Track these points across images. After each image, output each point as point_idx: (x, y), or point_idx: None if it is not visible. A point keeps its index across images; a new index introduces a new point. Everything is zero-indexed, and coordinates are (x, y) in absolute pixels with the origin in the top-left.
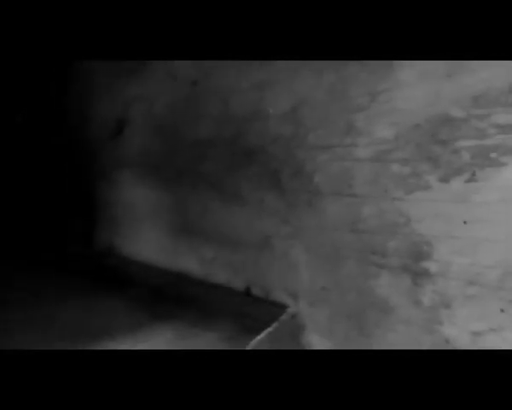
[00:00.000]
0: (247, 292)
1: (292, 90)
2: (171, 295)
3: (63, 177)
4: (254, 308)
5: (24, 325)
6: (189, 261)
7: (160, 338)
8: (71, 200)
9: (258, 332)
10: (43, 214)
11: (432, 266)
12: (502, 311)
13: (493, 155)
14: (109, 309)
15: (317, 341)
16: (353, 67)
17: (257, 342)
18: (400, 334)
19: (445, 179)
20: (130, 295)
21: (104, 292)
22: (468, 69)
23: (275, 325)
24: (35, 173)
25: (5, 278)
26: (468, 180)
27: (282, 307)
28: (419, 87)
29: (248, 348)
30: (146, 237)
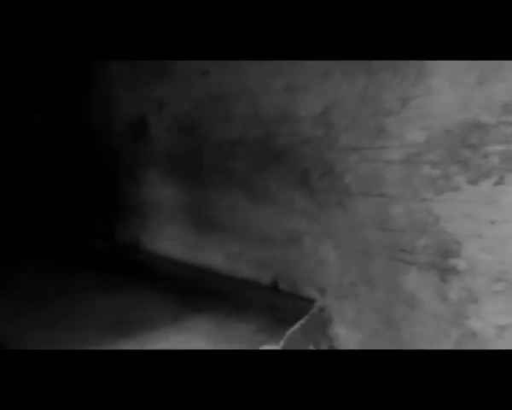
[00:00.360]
0: (275, 287)
1: (323, 93)
2: (199, 288)
3: (88, 175)
4: (282, 301)
5: (66, 318)
6: (215, 257)
7: (198, 328)
8: (96, 198)
9: (291, 324)
10: (69, 212)
11: (460, 264)
12: None
13: None
14: (144, 302)
15: (344, 333)
16: (386, 73)
17: (291, 333)
18: (428, 327)
19: (474, 182)
20: (161, 288)
21: (135, 286)
22: (499, 78)
23: (306, 317)
24: (60, 172)
25: (37, 272)
26: (497, 183)
27: (309, 301)
28: (450, 94)
29: (284, 339)
30: (171, 233)
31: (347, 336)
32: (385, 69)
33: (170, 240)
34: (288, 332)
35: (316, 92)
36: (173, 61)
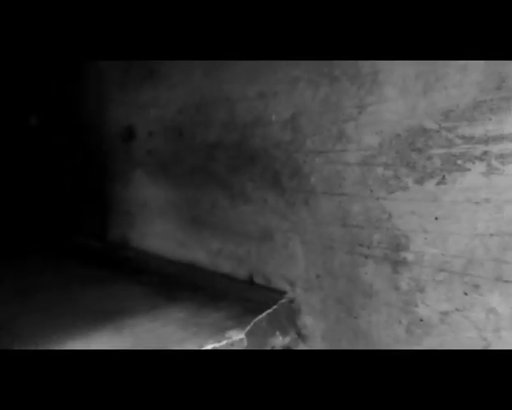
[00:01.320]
0: (251, 280)
1: (291, 100)
2: (181, 282)
3: (79, 176)
4: (256, 294)
5: (56, 306)
6: (198, 253)
7: (173, 316)
8: (87, 197)
9: (258, 313)
10: (60, 211)
11: (409, 256)
12: (465, 294)
13: (459, 161)
14: (127, 294)
15: (310, 322)
16: (345, 82)
17: (257, 320)
18: (383, 315)
19: (419, 181)
20: (145, 282)
21: (121, 280)
22: (441, 87)
23: (274, 307)
24: (53, 173)
25: (31, 268)
26: (439, 183)
27: (280, 293)
28: (400, 102)
29: (250, 326)
30: (157, 230)
31: (313, 325)
32: (344, 78)
33: (156, 238)
34: (255, 320)
35: (285, 99)
36: (159, 66)
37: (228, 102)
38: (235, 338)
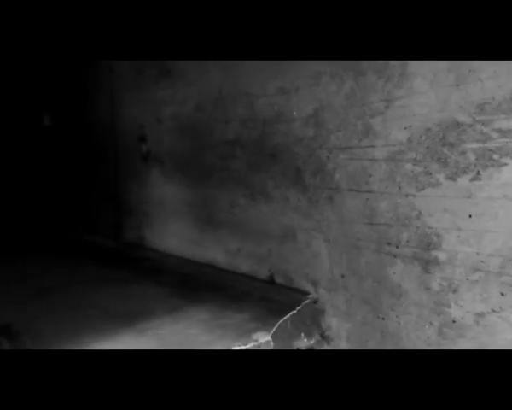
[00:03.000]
0: (271, 280)
1: (315, 95)
2: (200, 282)
3: (93, 175)
4: (278, 294)
5: (74, 309)
6: (216, 252)
7: (195, 318)
8: (102, 197)
9: (282, 315)
10: (76, 211)
11: (440, 255)
12: (502, 294)
13: (495, 156)
14: (147, 295)
15: (335, 323)
16: (372, 76)
17: (282, 322)
18: (413, 316)
19: (452, 177)
20: (164, 282)
21: (139, 280)
22: (475, 79)
23: (298, 308)
24: (69, 174)
25: (48, 267)
26: (473, 179)
27: (303, 294)
28: (430, 95)
29: (275, 328)
30: (174, 230)
31: (338, 326)
32: (371, 72)
33: (173, 237)
34: (280, 322)
35: (308, 94)
36: (175, 63)
37: (247, 97)
38: (262, 341)
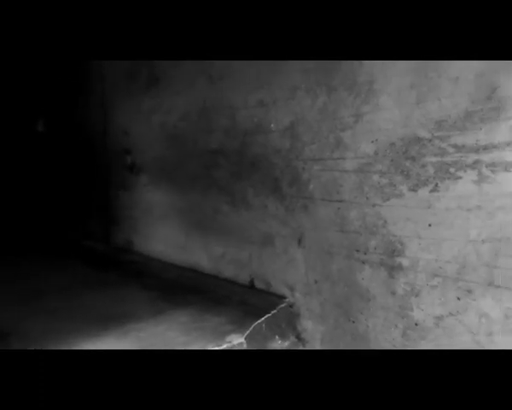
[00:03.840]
0: (251, 285)
1: (291, 108)
2: (184, 286)
3: (84, 181)
4: (256, 298)
5: (63, 309)
6: (200, 257)
7: (175, 321)
8: (92, 203)
9: (258, 317)
10: (67, 216)
11: (404, 261)
12: (458, 299)
13: (451, 169)
14: (132, 298)
15: (310, 326)
16: (342, 91)
17: (257, 324)
18: (380, 319)
19: (414, 189)
20: (149, 284)
21: (125, 283)
22: (434, 98)
23: (273, 312)
24: (61, 180)
25: (40, 269)
26: (432, 190)
27: (280, 298)
28: (394, 111)
29: (249, 330)
30: (161, 235)
31: (313, 328)
32: (341, 88)
33: (160, 242)
34: (254, 324)
35: (284, 107)
36: (163, 74)
37: (230, 109)
38: (235, 342)
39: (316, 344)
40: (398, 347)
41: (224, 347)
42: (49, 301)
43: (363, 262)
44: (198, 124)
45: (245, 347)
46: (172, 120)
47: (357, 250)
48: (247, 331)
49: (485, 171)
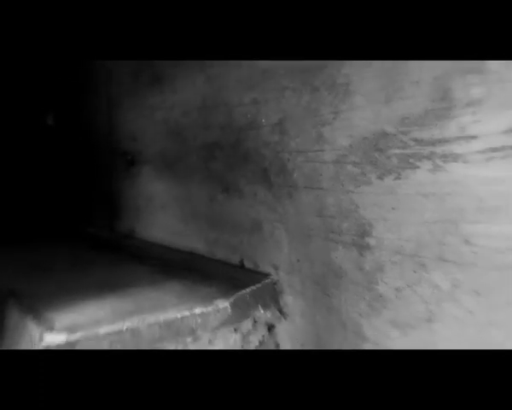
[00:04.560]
0: (241, 265)
1: (280, 106)
2: (181, 265)
3: (91, 172)
4: (245, 276)
5: (69, 280)
6: (197, 242)
7: (171, 289)
8: (98, 193)
9: (244, 289)
10: (74, 205)
11: (371, 241)
12: (414, 272)
13: (411, 160)
14: (132, 272)
15: (291, 301)
16: (324, 91)
17: (241, 294)
18: (351, 292)
19: (380, 177)
20: (150, 264)
21: (128, 262)
22: (399, 98)
23: (258, 285)
24: (66, 169)
25: (49, 251)
26: (396, 178)
27: (266, 276)
28: (367, 110)
29: (234, 297)
30: (161, 222)
31: (293, 303)
32: (323, 88)
33: (161, 229)
34: (239, 293)
35: (274, 105)
36: (165, 73)
37: (226, 106)
38: (220, 306)
39: (296, 317)
40: (364, 316)
41: (210, 309)
42: (57, 273)
43: (337, 243)
44: (197, 120)
45: (229, 312)
46: (174, 116)
47: (333, 232)
48: (232, 298)
49: (438, 161)
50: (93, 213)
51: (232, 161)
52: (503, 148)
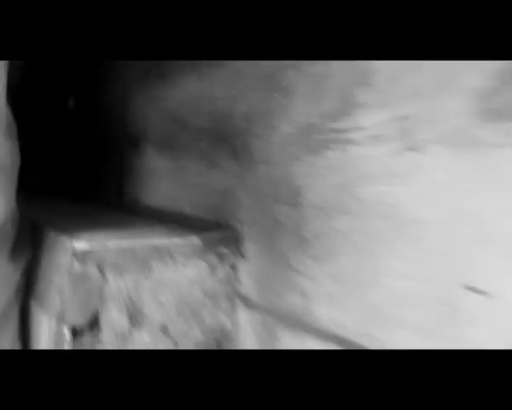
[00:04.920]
0: (216, 222)
1: (247, 101)
2: (170, 220)
3: (104, 151)
4: (217, 228)
5: (89, 221)
6: (185, 206)
7: (160, 230)
8: (110, 167)
9: (213, 233)
10: (88, 179)
11: (300, 200)
12: (325, 222)
13: (328, 144)
14: (133, 221)
15: (249, 246)
16: (275, 92)
17: (209, 235)
18: (286, 237)
19: (309, 155)
20: (147, 217)
21: (130, 217)
22: (322, 98)
23: (225, 233)
24: (83, 149)
25: (70, 204)
26: (318, 156)
27: (233, 229)
28: (303, 107)
29: (203, 234)
30: (159, 191)
31: (251, 248)
32: (274, 89)
33: (158, 196)
34: (208, 233)
35: (244, 100)
36: (168, 69)
37: (212, 99)
38: (194, 241)
39: (252, 259)
40: (294, 253)
41: (185, 241)
42: (77, 217)
43: (280, 202)
44: (190, 109)
45: (200, 245)
46: (173, 105)
47: (277, 194)
48: (203, 237)
49: (343, 144)
50: (104, 184)
51: (214, 142)
52: (381, 135)
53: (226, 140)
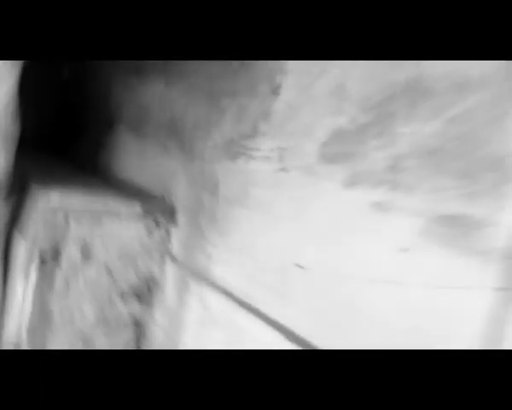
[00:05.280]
0: (161, 197)
1: (196, 109)
2: (131, 193)
3: (92, 124)
4: (156, 203)
5: (60, 178)
6: (144, 181)
7: (114, 198)
8: (90, 138)
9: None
10: (72, 145)
11: (219, 187)
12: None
13: (248, 152)
14: (101, 185)
15: (181, 216)
16: (216, 111)
17: (149, 203)
18: (206, 207)
19: (231, 160)
20: (112, 187)
21: (99, 182)
22: (240, 122)
23: (164, 204)
24: (72, 119)
25: (50, 163)
26: (248, 161)
27: (170, 202)
28: (231, 124)
29: (143, 204)
30: (127, 165)
31: (181, 217)
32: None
33: (126, 169)
34: (148, 202)
35: (194, 108)
36: (144, 66)
37: (172, 101)
38: (135, 206)
39: (181, 227)
40: (206, 226)
41: (128, 206)
42: (53, 174)
43: (206, 190)
44: (155, 104)
45: (138, 210)
46: (145, 97)
47: (205, 184)
48: (142, 203)
49: (248, 158)
50: (84, 151)
51: (169, 133)
52: (269, 157)
53: (178, 134)
